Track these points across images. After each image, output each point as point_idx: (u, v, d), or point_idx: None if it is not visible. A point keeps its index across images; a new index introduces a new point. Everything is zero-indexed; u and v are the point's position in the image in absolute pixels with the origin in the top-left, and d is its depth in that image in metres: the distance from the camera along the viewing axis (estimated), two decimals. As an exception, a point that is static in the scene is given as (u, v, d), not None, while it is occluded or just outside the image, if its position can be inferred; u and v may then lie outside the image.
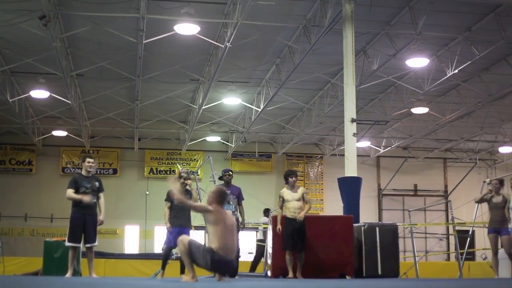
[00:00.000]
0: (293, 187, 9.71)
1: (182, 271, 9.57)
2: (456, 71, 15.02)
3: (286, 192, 9.70)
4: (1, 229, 21.40)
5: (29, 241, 21.41)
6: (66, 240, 9.15)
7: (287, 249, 9.48)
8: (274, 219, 10.00)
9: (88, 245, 9.12)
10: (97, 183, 9.24)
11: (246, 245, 20.84)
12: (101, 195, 9.31)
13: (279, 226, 9.56)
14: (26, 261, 15.14)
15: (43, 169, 22.81)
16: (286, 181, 9.78)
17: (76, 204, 9.07)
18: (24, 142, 22.29)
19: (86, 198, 8.97)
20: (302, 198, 9.64)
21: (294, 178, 9.72)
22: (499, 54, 15.08)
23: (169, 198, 9.71)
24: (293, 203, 9.59)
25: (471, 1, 12.44)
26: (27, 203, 22.22)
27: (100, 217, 9.20)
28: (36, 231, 22.16)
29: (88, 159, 9.26)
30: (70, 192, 9.07)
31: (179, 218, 9.64)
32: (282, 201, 9.73)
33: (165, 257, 9.82)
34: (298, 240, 9.44)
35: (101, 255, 14.20)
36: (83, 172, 9.25)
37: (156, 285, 6.38)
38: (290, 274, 9.45)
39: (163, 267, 9.82)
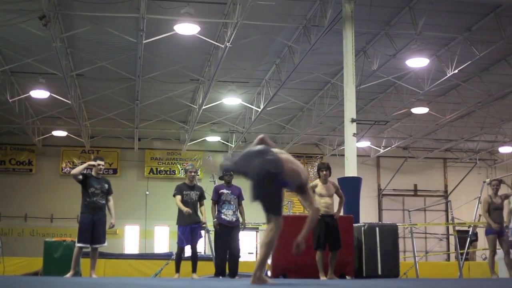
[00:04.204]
0: (325, 182, 9.15)
1: (194, 270, 9.57)
2: (456, 71, 15.02)
3: (320, 186, 9.04)
4: (1, 229, 21.39)
5: (29, 241, 21.39)
6: (76, 241, 9.20)
7: (319, 249, 8.98)
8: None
9: (96, 246, 9.15)
10: (106, 185, 9.37)
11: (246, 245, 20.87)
12: (110, 197, 9.46)
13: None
14: (26, 261, 15.12)
15: (43, 169, 22.80)
16: (318, 175, 9.24)
17: (85, 204, 9.15)
18: (24, 142, 22.29)
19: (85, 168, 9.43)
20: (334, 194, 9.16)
21: (325, 172, 9.13)
22: (499, 54, 15.08)
23: (178, 191, 9.68)
24: (325, 198, 9.05)
25: (471, 1, 12.45)
26: (27, 203, 22.22)
27: (112, 220, 9.31)
28: (36, 231, 22.15)
29: (98, 161, 9.38)
30: (78, 167, 9.40)
31: (189, 216, 9.61)
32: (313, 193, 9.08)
33: (178, 258, 9.69)
34: (333, 239, 9.00)
35: (101, 255, 14.17)
36: (93, 173, 9.36)
37: (156, 285, 6.38)
38: (322, 276, 8.87)
39: (177, 270, 9.58)
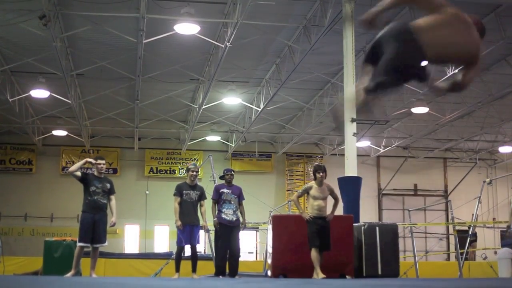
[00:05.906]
0: (321, 184, 9.10)
1: (194, 270, 9.58)
2: (456, 70, 15.01)
3: (315, 188, 9.03)
4: (1, 229, 21.39)
5: (29, 241, 21.39)
6: (78, 240, 9.19)
7: (314, 247, 8.97)
8: (275, 218, 9.96)
9: (97, 245, 9.15)
10: (108, 185, 9.36)
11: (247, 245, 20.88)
12: (113, 197, 9.43)
13: (308, 215, 9.02)
14: (26, 260, 15.13)
15: (43, 169, 22.80)
16: (314, 177, 9.17)
17: (86, 203, 9.15)
18: (24, 142, 22.28)
19: (89, 160, 9.46)
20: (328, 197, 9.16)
21: (321, 174, 9.07)
22: (499, 54, 15.07)
23: (178, 192, 9.66)
24: (319, 201, 9.04)
25: (471, 1, 12.44)
26: (27, 203, 22.21)
27: (113, 218, 9.31)
28: (36, 230, 22.15)
29: (98, 160, 9.38)
30: (76, 164, 9.41)
31: (189, 215, 9.59)
32: (305, 194, 9.17)
33: (178, 258, 9.68)
34: (323, 240, 9.00)
35: (101, 254, 14.18)
36: (95, 173, 9.37)
37: (156, 284, 6.38)
38: (320, 275, 8.80)
39: (177, 269, 9.59)
